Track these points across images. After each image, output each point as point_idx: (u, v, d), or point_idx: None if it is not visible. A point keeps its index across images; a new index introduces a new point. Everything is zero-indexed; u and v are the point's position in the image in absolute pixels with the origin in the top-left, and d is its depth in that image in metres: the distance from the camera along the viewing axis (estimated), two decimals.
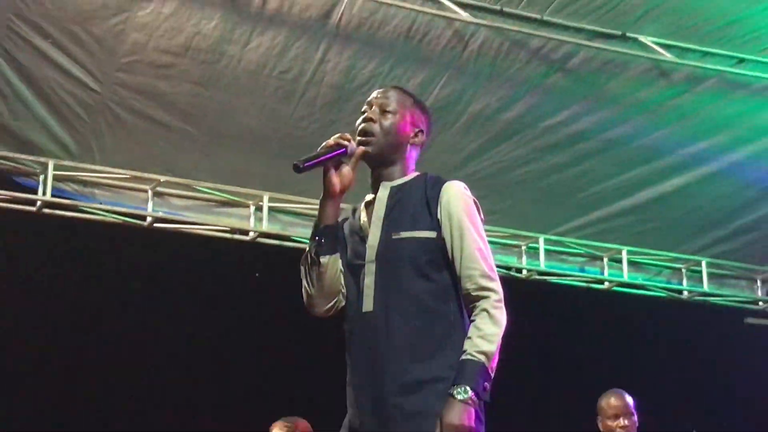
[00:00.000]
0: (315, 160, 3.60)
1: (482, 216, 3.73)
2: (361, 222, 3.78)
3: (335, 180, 3.66)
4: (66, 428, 9.22)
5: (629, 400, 6.45)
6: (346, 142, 3.64)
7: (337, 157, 3.64)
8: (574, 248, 9.24)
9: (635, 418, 6.41)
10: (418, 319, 3.58)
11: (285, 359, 9.08)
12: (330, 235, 3.75)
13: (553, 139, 8.28)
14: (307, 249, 3.76)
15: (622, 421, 6.36)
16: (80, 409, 9.22)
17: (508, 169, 8.44)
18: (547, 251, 9.04)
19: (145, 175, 7.97)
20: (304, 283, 3.77)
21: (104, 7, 7.03)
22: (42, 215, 7.75)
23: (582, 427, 6.77)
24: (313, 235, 3.75)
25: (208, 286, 9.30)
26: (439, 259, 3.63)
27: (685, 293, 9.45)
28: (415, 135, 3.82)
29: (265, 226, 8.22)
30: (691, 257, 9.41)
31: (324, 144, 3.64)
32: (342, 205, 3.76)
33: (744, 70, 7.90)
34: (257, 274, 9.24)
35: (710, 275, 9.44)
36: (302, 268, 3.77)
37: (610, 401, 6.43)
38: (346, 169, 3.68)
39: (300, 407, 6.94)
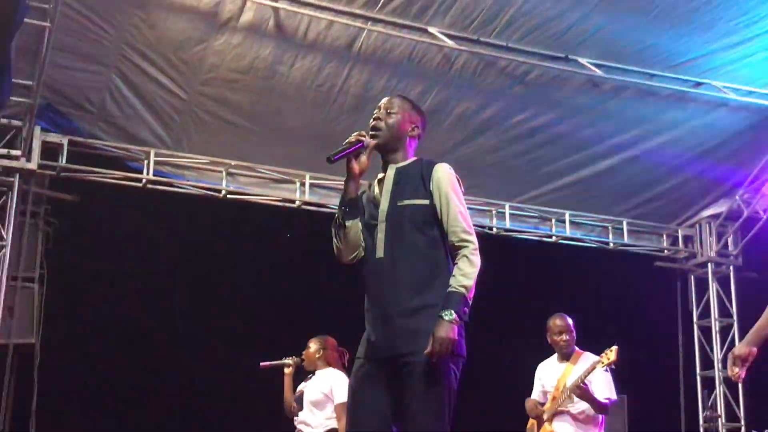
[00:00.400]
0: (341, 154, 3.70)
1: (463, 188, 3.82)
2: (375, 193, 3.85)
3: (355, 166, 3.73)
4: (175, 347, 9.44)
5: (569, 320, 6.38)
6: (363, 138, 3.73)
7: (360, 148, 3.71)
8: (531, 212, 9.17)
9: (573, 334, 6.35)
10: (416, 263, 3.67)
11: (320, 294, 8.94)
12: (352, 205, 3.82)
13: (515, 133, 8.25)
14: (336, 215, 3.85)
15: (564, 336, 6.31)
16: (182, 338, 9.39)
17: (483, 155, 8.37)
18: (511, 214, 8.99)
19: (220, 159, 8.03)
20: (335, 240, 3.85)
21: (189, 39, 7.07)
22: (146, 190, 7.83)
23: (537, 340, 6.62)
24: (340, 205, 3.84)
25: (265, 240, 9.25)
26: (431, 219, 3.71)
27: (611, 244, 9.37)
28: (412, 129, 3.88)
29: (307, 197, 8.25)
30: (616, 218, 9.35)
31: (347, 140, 3.71)
32: (361, 182, 3.82)
33: (654, 82, 7.86)
34: (288, 235, 9.14)
35: (629, 231, 9.39)
36: (333, 229, 3.84)
37: (556, 321, 6.38)
38: (363, 158, 3.74)
39: (330, 328, 6.91)
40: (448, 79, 7.65)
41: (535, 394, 6.53)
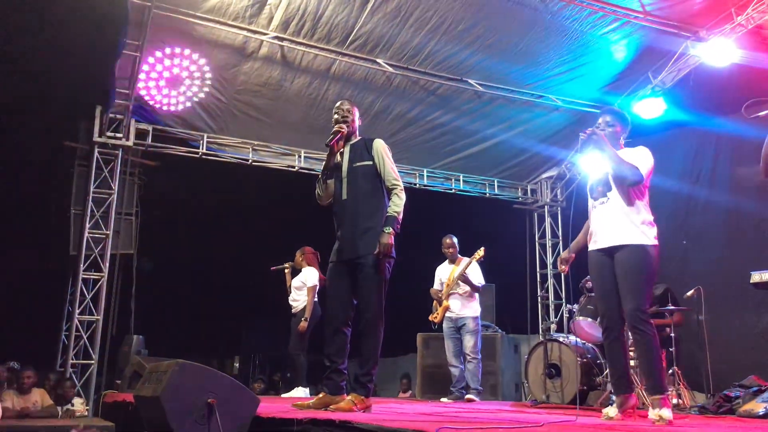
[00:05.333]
0: (333, 140, 3.77)
1: (391, 153, 3.87)
2: (339, 160, 3.89)
3: (335, 147, 3.82)
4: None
5: (455, 239, 6.56)
6: (342, 130, 3.81)
7: (341, 135, 3.80)
8: (439, 174, 8.95)
9: (457, 247, 6.54)
10: (366, 200, 3.76)
11: (306, 223, 8.96)
12: (331, 169, 3.87)
13: (430, 126, 8.16)
14: (320, 176, 3.92)
15: (451, 249, 6.51)
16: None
17: (410, 139, 8.25)
18: (427, 176, 8.83)
19: (248, 141, 7.88)
20: (318, 190, 3.94)
21: (228, 64, 6.99)
22: (201, 159, 7.68)
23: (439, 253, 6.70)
24: (324, 170, 3.90)
25: (277, 191, 9.24)
26: (375, 173, 3.79)
27: (488, 194, 9.20)
28: (358, 121, 3.96)
29: (303, 164, 8.10)
30: (490, 178, 9.23)
31: (333, 131, 3.80)
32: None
33: (514, 95, 7.86)
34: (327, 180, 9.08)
35: (498, 186, 9.29)
36: (317, 184, 3.93)
37: (446, 240, 6.58)
38: (341, 142, 3.85)
39: (309, 242, 7.03)
40: (389, 91, 7.61)
41: (436, 285, 6.65)
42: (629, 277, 3.43)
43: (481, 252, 6.29)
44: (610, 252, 3.55)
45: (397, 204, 3.70)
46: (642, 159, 3.56)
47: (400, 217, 3.70)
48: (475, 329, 6.29)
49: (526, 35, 7.04)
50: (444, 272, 6.59)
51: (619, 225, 3.52)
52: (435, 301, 6.57)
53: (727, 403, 4.65)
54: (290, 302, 6.69)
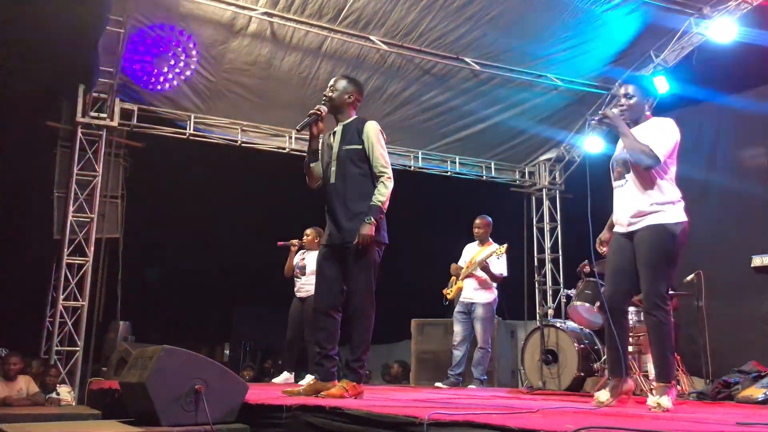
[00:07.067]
0: (305, 125, 3.72)
1: (385, 137, 3.81)
2: (330, 141, 3.84)
3: (314, 130, 3.76)
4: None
5: (487, 220, 6.43)
6: (319, 111, 3.75)
7: (317, 118, 3.71)
8: (434, 156, 8.92)
9: (488, 228, 6.38)
10: (354, 185, 3.70)
11: (302, 204, 9.01)
12: (314, 153, 3.83)
13: (425, 106, 8.11)
14: (305, 159, 3.86)
15: (480, 229, 6.38)
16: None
17: (405, 120, 8.17)
18: (422, 158, 8.78)
19: (237, 121, 7.80)
20: (306, 175, 3.87)
21: (215, 41, 6.93)
22: (188, 140, 7.59)
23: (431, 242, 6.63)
24: (307, 153, 3.86)
25: (266, 173, 9.15)
26: (364, 157, 3.73)
27: (484, 177, 9.17)
28: (349, 97, 3.85)
29: (293, 146, 8.02)
30: (487, 160, 9.21)
31: (310, 112, 3.72)
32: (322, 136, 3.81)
33: (512, 75, 7.84)
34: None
35: (495, 168, 9.27)
36: (305, 168, 3.87)
37: (476, 221, 6.45)
38: (321, 124, 3.77)
39: (303, 226, 6.79)
40: (383, 70, 7.56)
41: (460, 262, 6.54)
42: (647, 258, 3.28)
43: (502, 249, 6.17)
44: (629, 236, 3.43)
45: (382, 193, 3.63)
46: (661, 137, 3.35)
47: (385, 206, 3.65)
48: (484, 317, 6.19)
49: (524, 12, 7.00)
50: (470, 252, 6.51)
51: (637, 210, 3.37)
52: (453, 277, 6.49)
53: (726, 389, 4.66)
54: (301, 285, 6.40)
